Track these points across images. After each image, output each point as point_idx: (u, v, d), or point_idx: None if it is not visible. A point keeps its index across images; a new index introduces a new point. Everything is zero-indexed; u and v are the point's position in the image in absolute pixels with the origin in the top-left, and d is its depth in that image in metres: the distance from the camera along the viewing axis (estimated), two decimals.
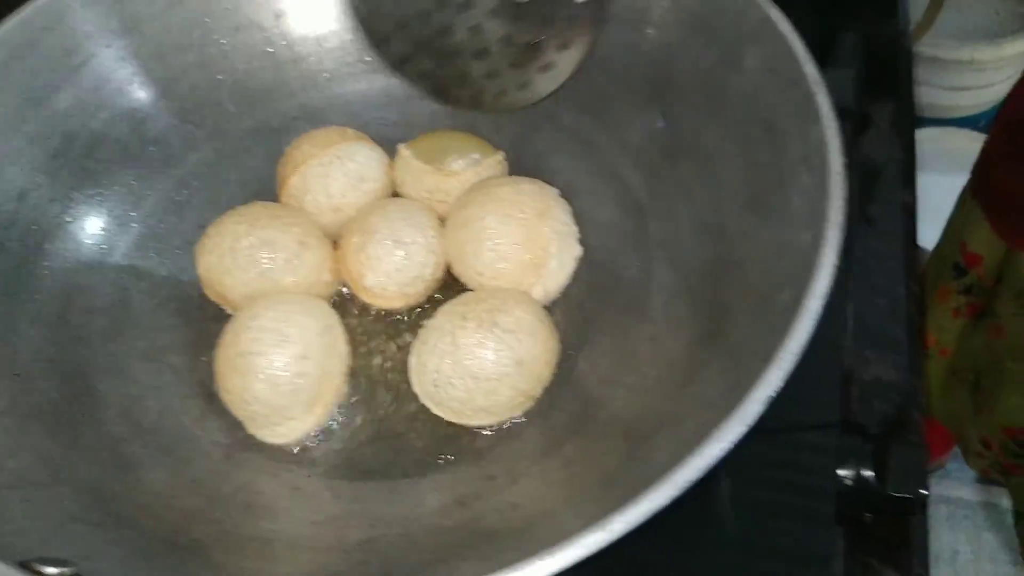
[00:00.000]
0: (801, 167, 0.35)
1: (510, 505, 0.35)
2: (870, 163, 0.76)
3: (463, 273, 0.42)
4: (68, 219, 0.44)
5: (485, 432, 0.40)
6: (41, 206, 0.43)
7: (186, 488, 0.37)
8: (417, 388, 0.39)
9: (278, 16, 0.50)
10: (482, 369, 0.37)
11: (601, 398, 0.39)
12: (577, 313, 0.43)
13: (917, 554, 0.58)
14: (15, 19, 0.43)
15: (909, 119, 0.79)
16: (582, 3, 0.35)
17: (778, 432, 0.46)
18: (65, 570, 0.27)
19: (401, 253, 0.41)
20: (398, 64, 0.42)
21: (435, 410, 0.39)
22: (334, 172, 0.44)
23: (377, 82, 0.52)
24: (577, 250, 0.44)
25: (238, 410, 0.38)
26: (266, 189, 0.48)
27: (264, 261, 0.41)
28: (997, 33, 1.30)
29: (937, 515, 1.50)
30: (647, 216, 0.45)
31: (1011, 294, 0.76)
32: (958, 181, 0.83)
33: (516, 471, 0.37)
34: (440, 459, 0.39)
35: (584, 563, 0.25)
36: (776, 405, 0.46)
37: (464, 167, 0.45)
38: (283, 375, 0.37)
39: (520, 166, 0.49)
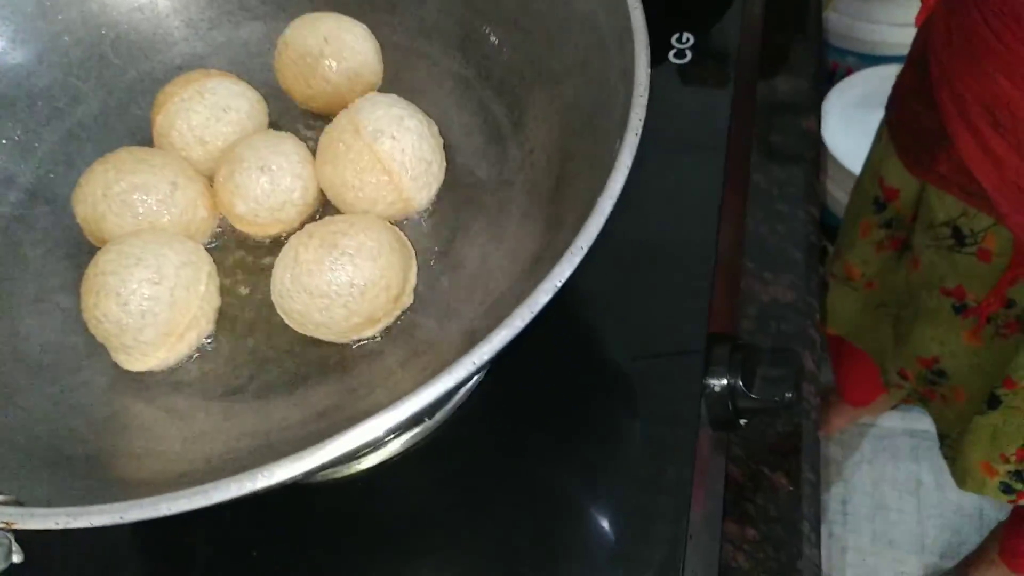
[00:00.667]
0: (620, 83, 0.37)
1: (362, 413, 0.38)
2: (776, 94, 0.78)
3: (335, 199, 0.45)
4: None
5: (353, 349, 0.42)
6: None
7: (66, 413, 0.40)
8: (272, 297, 0.42)
9: None
10: (316, 287, 0.39)
11: (459, 313, 0.42)
12: (445, 236, 0.46)
13: (807, 460, 0.61)
14: None
15: (815, 51, 0.81)
16: None
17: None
18: (5, 497, 0.30)
19: (266, 179, 0.43)
20: None
21: (285, 320, 0.41)
22: (195, 106, 0.46)
23: (259, 29, 0.54)
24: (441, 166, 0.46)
25: (94, 329, 0.40)
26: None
27: (137, 204, 0.43)
28: None
29: (901, 446, 1.54)
30: (508, 143, 0.47)
31: (924, 226, 0.78)
32: None
33: (374, 383, 0.40)
34: (310, 377, 0.42)
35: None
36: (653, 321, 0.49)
37: None
38: (133, 296, 0.39)
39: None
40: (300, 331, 0.41)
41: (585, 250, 0.31)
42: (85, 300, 0.40)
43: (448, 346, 0.40)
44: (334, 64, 0.48)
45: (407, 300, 0.42)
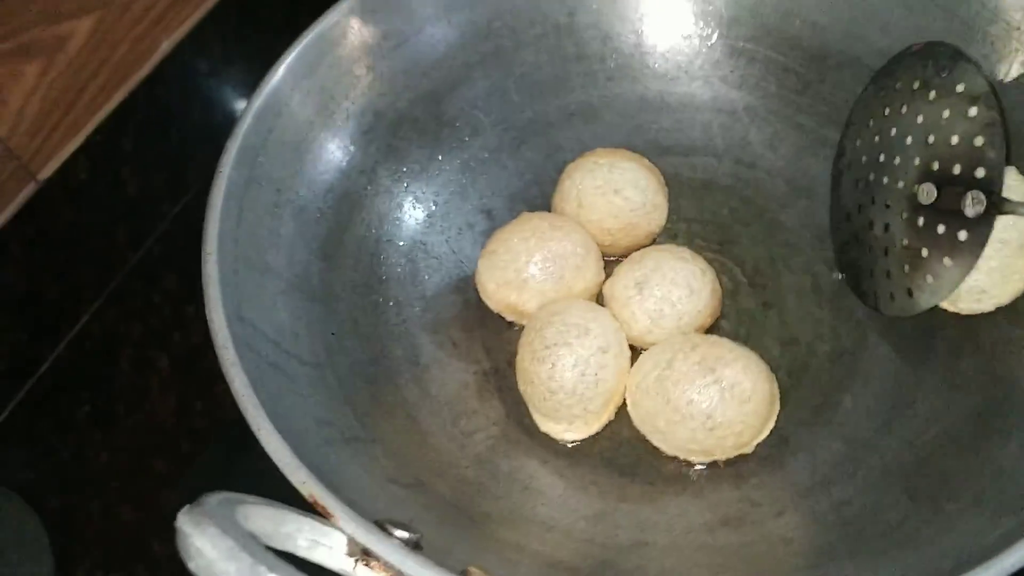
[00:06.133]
0: None
1: (781, 539, 0.37)
2: None
3: None
4: (372, 191, 0.48)
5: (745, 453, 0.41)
6: (353, 177, 0.47)
7: (471, 460, 0.41)
8: (630, 380, 0.42)
9: (571, 13, 0.52)
10: (675, 399, 0.38)
11: (873, 444, 0.40)
12: (848, 351, 0.44)
13: None
14: (348, 3, 0.47)
15: None
16: (973, 218, 0.35)
17: None
18: (410, 535, 0.31)
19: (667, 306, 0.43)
20: (839, 249, 0.46)
21: (628, 404, 0.42)
22: (599, 172, 0.46)
23: (654, 86, 0.53)
24: None
25: (540, 402, 0.41)
26: (538, 179, 0.51)
27: (559, 272, 0.43)
28: None
29: None
30: None
31: None
32: None
33: (783, 504, 0.39)
34: (695, 471, 0.41)
35: None
36: None
37: None
38: (589, 366, 0.39)
39: (793, 187, 0.49)
40: (634, 422, 0.41)
41: None
42: (533, 371, 0.40)
43: (870, 487, 0.38)
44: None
45: (748, 449, 0.41)
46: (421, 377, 0.44)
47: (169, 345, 0.55)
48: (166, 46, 0.68)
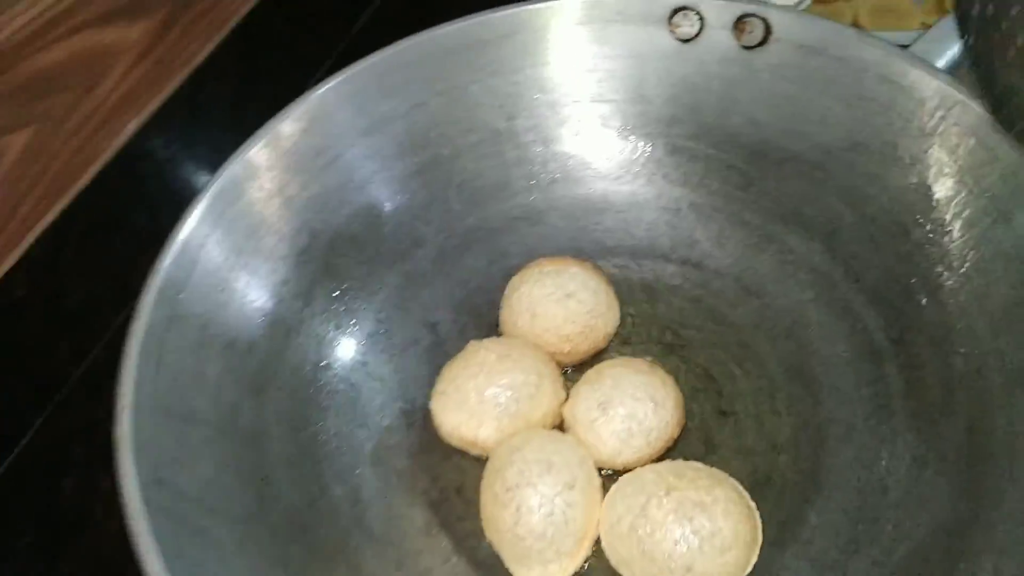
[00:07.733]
0: None
1: None
2: None
3: None
4: (309, 314, 0.46)
5: None
6: (287, 301, 0.45)
7: None
8: (602, 519, 0.39)
9: (509, 118, 0.51)
10: (651, 551, 0.36)
11: (841, 566, 0.38)
12: (808, 459, 0.42)
13: None
14: (277, 122, 0.45)
15: None
16: None
17: None
18: None
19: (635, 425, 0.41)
20: None
21: (603, 543, 0.39)
22: (547, 280, 0.45)
23: (598, 187, 0.52)
24: None
25: (510, 549, 0.38)
26: (483, 287, 0.50)
27: (512, 404, 0.41)
28: None
29: None
30: (886, 362, 0.43)
31: None
32: None
33: None
34: None
35: None
36: None
37: None
38: (556, 506, 0.37)
39: (743, 286, 0.48)
40: (611, 562, 0.39)
41: None
42: (498, 516, 0.38)
43: None
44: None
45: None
46: (363, 517, 0.41)
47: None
48: (107, 154, 0.67)
